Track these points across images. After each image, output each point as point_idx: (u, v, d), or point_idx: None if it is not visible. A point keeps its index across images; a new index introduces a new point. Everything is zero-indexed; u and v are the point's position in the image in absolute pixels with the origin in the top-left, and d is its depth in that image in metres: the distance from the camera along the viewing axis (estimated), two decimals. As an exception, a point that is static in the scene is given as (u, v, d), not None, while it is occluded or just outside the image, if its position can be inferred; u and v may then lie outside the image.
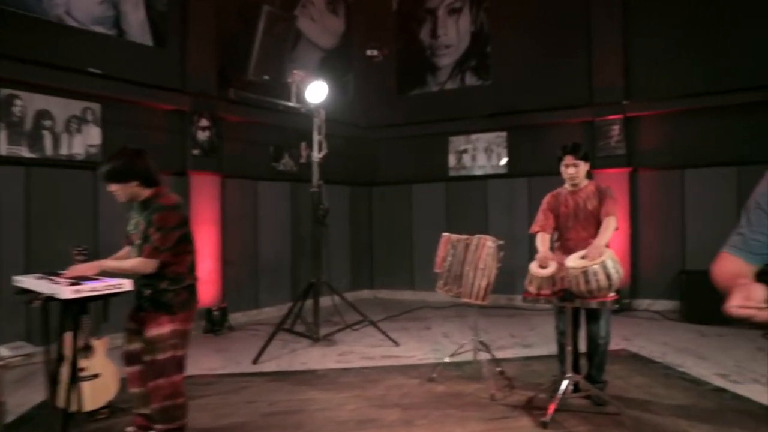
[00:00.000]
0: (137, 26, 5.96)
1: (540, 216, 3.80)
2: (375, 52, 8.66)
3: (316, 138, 5.69)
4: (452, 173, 8.37)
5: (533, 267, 3.39)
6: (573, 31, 7.62)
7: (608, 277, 3.14)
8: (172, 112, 6.29)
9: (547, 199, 3.84)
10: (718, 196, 6.81)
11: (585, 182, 3.70)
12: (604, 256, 3.17)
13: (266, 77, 6.56)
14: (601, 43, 7.38)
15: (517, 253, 7.80)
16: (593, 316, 3.52)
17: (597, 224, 3.59)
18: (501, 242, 3.78)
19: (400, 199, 8.73)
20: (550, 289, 3.33)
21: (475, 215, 8.15)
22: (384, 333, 5.58)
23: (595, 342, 3.54)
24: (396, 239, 8.81)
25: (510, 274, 7.85)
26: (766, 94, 6.55)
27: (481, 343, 4.18)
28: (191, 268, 2.86)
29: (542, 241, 3.67)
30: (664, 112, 7.16)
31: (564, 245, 3.70)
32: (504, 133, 8.04)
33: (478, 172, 8.19)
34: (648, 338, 5.47)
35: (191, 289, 2.85)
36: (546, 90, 7.76)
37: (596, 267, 3.14)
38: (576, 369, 3.64)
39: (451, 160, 8.37)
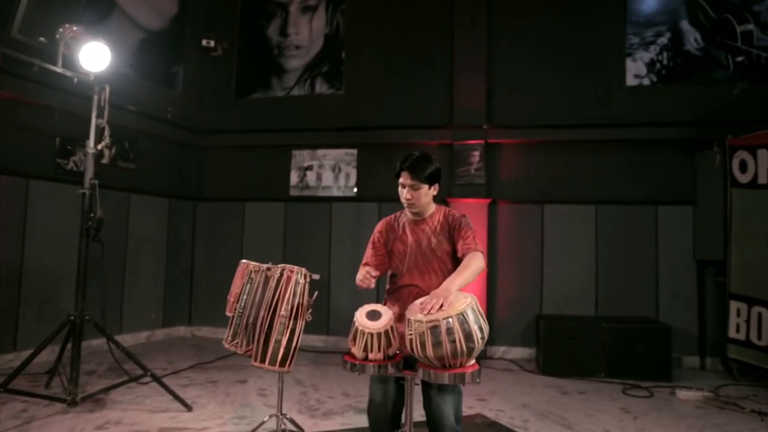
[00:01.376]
0: None
1: (367, 251, 2.72)
2: (212, 44, 7.29)
3: (94, 121, 4.14)
4: (294, 192, 7.12)
5: (360, 317, 2.23)
6: (436, 47, 6.90)
7: (468, 336, 2.07)
8: None
9: (378, 228, 2.76)
10: (576, 235, 6.36)
11: (432, 209, 2.67)
12: (463, 304, 2.11)
13: (42, 39, 4.85)
14: (464, 63, 6.70)
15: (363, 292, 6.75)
16: (440, 391, 2.42)
17: (447, 269, 2.58)
18: (315, 277, 2.58)
19: (231, 219, 7.27)
20: (383, 352, 2.19)
21: (316, 242, 6.97)
22: (172, 392, 4.06)
23: (441, 423, 2.43)
24: (223, 266, 7.22)
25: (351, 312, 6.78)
26: (615, 132, 6.30)
27: (290, 420, 2.90)
28: None
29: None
30: (524, 141, 6.62)
31: (397, 295, 2.63)
32: (354, 151, 7.01)
33: (323, 192, 7.04)
34: (506, 398, 4.58)
35: None
36: (403, 106, 6.92)
37: (452, 320, 2.06)
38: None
39: (294, 177, 7.14)
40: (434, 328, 2.06)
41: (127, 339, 6.25)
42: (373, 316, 2.22)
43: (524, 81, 6.64)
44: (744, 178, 5.35)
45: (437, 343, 2.06)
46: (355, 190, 6.95)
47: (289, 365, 2.37)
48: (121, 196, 6.25)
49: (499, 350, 6.42)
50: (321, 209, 7.02)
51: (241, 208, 7.24)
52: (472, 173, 6.60)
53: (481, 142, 6.59)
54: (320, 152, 7.08)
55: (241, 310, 2.62)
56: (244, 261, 2.89)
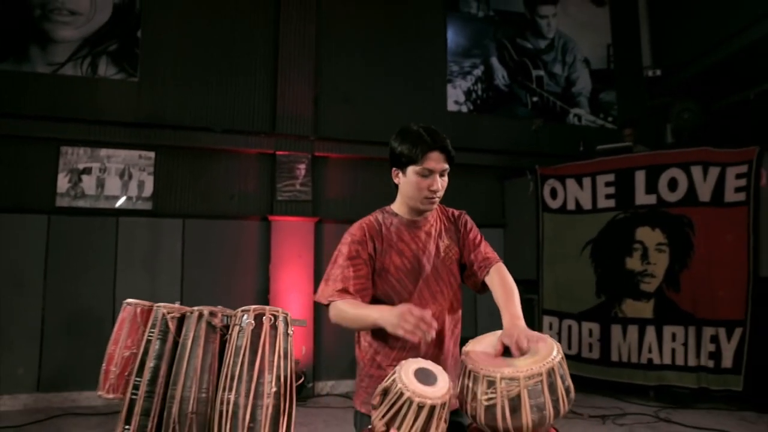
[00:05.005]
0: None
1: (340, 271, 1.80)
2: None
3: None
4: (62, 202, 5.34)
5: (408, 379, 1.41)
6: (258, 40, 6.05)
7: (561, 394, 1.49)
8: None
9: (356, 237, 1.86)
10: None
11: None
12: (555, 351, 1.52)
13: None
14: (290, 64, 6.02)
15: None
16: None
17: (456, 285, 1.94)
18: (302, 323, 1.65)
19: (-46, 238, 5.07)
20: (439, 428, 1.44)
21: (95, 268, 5.33)
22: None
23: None
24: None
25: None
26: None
27: None
28: None
29: (353, 303, 1.74)
30: (353, 156, 6.20)
31: (394, 336, 1.82)
32: (152, 154, 5.62)
33: (106, 204, 5.45)
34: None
35: None
36: (216, 105, 5.86)
37: (554, 368, 1.46)
38: None
39: (63, 181, 5.36)
40: (533, 387, 1.43)
41: None
42: (426, 377, 1.45)
43: (354, 92, 6.28)
44: (554, 204, 5.90)
45: (532, 407, 1.43)
46: (152, 203, 5.55)
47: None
48: None
49: (327, 385, 5.78)
50: (103, 225, 5.40)
51: (-28, 222, 5.11)
52: (298, 188, 5.91)
53: (308, 154, 5.97)
54: (103, 152, 5.48)
55: (148, 388, 1.49)
56: (131, 301, 1.72)
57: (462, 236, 1.96)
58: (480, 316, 5.84)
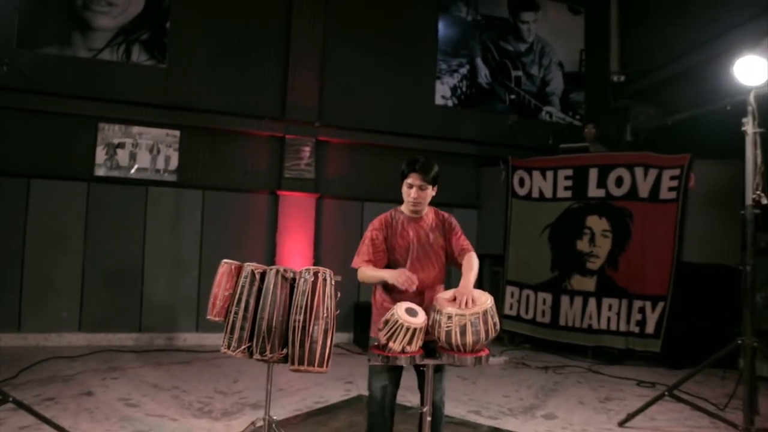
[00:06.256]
0: None
1: (366, 247, 2.80)
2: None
3: None
4: (100, 172, 6.20)
5: (402, 314, 2.41)
6: (272, 36, 6.86)
7: (490, 327, 2.50)
8: None
9: (375, 226, 2.86)
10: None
11: (427, 208, 2.97)
12: (489, 301, 2.52)
13: None
14: (300, 58, 6.86)
15: (183, 283, 6.39)
16: (440, 375, 2.79)
17: (441, 262, 2.93)
18: (338, 278, 2.63)
19: (10, 200, 5.90)
20: (417, 344, 2.44)
21: (128, 230, 6.23)
22: (46, 419, 3.28)
23: (438, 405, 2.80)
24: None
25: (171, 308, 6.34)
26: (426, 143, 7.27)
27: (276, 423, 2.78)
28: None
29: (371, 267, 2.73)
30: (351, 142, 7.11)
31: (395, 291, 2.83)
32: (177, 132, 6.48)
33: (138, 175, 6.32)
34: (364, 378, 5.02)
35: None
36: (234, 91, 6.69)
37: (487, 313, 2.46)
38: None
39: (101, 154, 6.20)
40: (474, 320, 2.43)
41: None
42: (412, 313, 2.45)
43: (354, 85, 7.14)
44: (522, 192, 6.90)
45: (473, 332, 2.43)
46: (177, 176, 6.42)
47: (327, 365, 2.40)
48: None
49: (321, 337, 6.81)
50: (134, 194, 6.28)
51: (24, 186, 5.93)
52: (302, 168, 6.82)
53: (312, 138, 6.86)
54: (135, 129, 6.32)
55: (243, 314, 2.46)
56: (227, 261, 2.68)
57: (447, 232, 2.95)
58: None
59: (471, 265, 2.80)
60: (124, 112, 6.25)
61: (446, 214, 3.01)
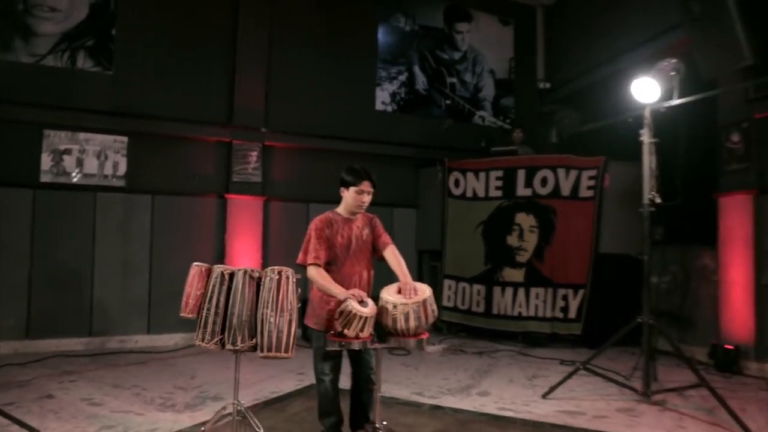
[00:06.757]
0: None
1: (313, 245, 3.17)
2: None
3: None
4: (46, 178, 6.23)
5: (354, 305, 2.81)
6: (219, 42, 7.07)
7: (430, 314, 2.95)
8: None
9: (318, 226, 3.24)
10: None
11: None
12: (428, 291, 2.98)
13: None
14: (246, 64, 7.12)
15: (134, 286, 6.54)
16: (373, 356, 3.23)
17: (369, 256, 3.37)
18: (298, 276, 3.00)
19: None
20: (368, 330, 2.85)
21: (77, 237, 6.30)
22: (17, 420, 3.46)
23: (369, 384, 3.24)
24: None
25: (122, 311, 6.47)
26: (367, 147, 7.67)
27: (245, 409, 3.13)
28: None
29: (324, 276, 3.11)
30: (296, 146, 7.42)
31: (340, 279, 3.24)
32: (125, 138, 6.58)
33: (86, 181, 6.38)
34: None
35: None
36: (181, 97, 6.86)
37: (427, 302, 2.91)
38: (365, 416, 3.27)
39: (46, 160, 6.23)
40: (416, 309, 2.87)
41: None
42: (363, 304, 2.86)
43: (299, 92, 7.46)
44: (457, 192, 7.45)
45: (415, 318, 2.87)
46: (125, 181, 6.54)
47: (292, 351, 2.78)
48: None
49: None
50: (82, 199, 6.35)
51: (-34, 193, 5.90)
52: (250, 172, 7.09)
53: (259, 143, 7.13)
54: (82, 135, 6.38)
55: (215, 310, 2.80)
56: (197, 264, 3.00)
57: (373, 229, 3.38)
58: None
59: (399, 258, 3.27)
60: (69, 118, 6.30)
61: (372, 215, 3.45)
